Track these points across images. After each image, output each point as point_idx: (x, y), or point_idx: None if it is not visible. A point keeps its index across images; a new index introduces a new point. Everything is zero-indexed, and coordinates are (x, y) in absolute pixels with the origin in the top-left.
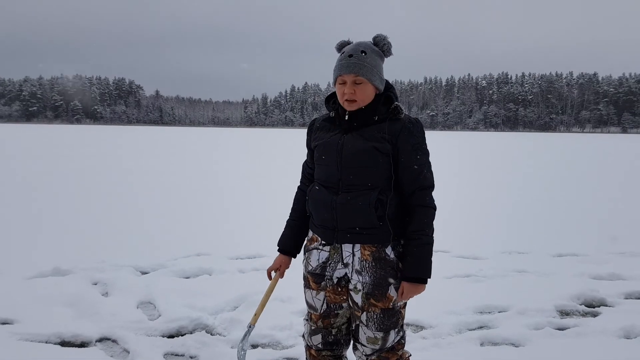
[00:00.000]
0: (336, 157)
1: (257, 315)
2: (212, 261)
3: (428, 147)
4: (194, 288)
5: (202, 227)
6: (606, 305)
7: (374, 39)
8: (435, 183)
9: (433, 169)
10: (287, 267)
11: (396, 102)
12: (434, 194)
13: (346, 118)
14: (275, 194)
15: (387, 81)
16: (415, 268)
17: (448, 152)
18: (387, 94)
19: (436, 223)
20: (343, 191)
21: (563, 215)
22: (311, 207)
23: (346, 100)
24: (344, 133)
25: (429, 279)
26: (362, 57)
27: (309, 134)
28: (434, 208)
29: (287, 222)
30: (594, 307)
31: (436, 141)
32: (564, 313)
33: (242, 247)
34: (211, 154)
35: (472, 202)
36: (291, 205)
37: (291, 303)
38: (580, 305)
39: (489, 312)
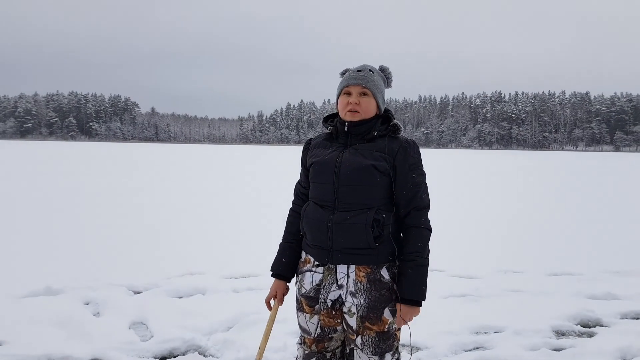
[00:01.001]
0: (333, 174)
1: (261, 350)
2: (206, 280)
3: (424, 168)
4: (187, 308)
5: (196, 245)
6: (602, 326)
7: (381, 66)
8: (430, 204)
9: (429, 187)
10: (286, 293)
11: (396, 121)
12: (429, 214)
13: (345, 129)
14: (270, 212)
15: (386, 107)
16: (410, 290)
17: (443, 170)
18: (386, 114)
19: (431, 242)
20: (340, 210)
21: (557, 233)
22: (305, 227)
23: (349, 110)
24: (342, 150)
25: (424, 301)
26: (370, 74)
27: (304, 152)
28: (430, 229)
29: (280, 245)
30: (589, 327)
31: (431, 159)
32: (560, 333)
33: (236, 266)
34: (205, 172)
35: (467, 220)
36: (284, 228)
37: (285, 324)
38: (576, 325)
39: (485, 333)
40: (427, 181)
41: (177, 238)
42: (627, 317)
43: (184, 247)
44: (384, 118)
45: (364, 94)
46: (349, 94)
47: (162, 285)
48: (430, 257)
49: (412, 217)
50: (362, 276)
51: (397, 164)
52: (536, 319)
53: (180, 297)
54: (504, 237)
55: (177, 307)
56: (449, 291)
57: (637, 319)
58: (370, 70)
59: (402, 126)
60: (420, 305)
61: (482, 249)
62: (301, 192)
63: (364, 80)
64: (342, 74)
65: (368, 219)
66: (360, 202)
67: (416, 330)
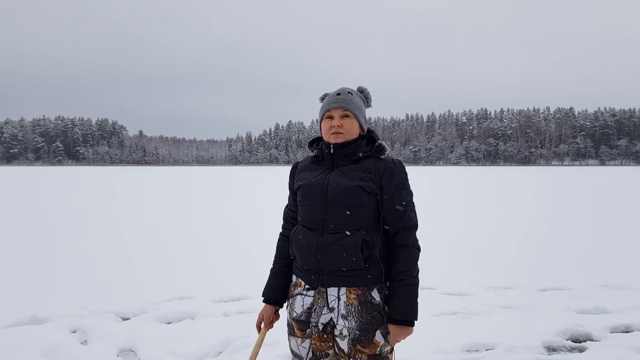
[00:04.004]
0: (321, 196)
1: None
2: (195, 305)
3: (411, 187)
4: (176, 333)
5: (185, 269)
6: (592, 340)
7: (359, 87)
8: (418, 222)
9: (417, 204)
10: (277, 319)
11: (380, 141)
12: (418, 233)
13: (331, 152)
14: (259, 235)
15: (370, 127)
16: (401, 311)
17: (432, 187)
18: (370, 135)
19: (421, 260)
20: (328, 232)
21: (546, 248)
22: (295, 250)
23: (332, 133)
24: (328, 172)
25: (416, 321)
26: (350, 96)
27: (291, 176)
28: (418, 248)
29: (271, 270)
30: (580, 342)
31: (419, 177)
32: (551, 349)
33: (226, 289)
34: (192, 195)
35: (456, 238)
36: (274, 252)
37: (277, 347)
38: (567, 340)
39: (477, 350)
40: (416, 199)
41: (165, 262)
42: (617, 330)
43: (171, 271)
44: (369, 139)
45: (346, 116)
46: (331, 117)
47: (150, 310)
48: (420, 275)
49: (401, 237)
50: (353, 298)
51: (383, 184)
52: (527, 335)
53: (169, 323)
54: (494, 254)
55: (166, 333)
56: (440, 309)
57: (627, 332)
58: (349, 92)
59: (387, 146)
60: (413, 325)
61: (472, 266)
62: (290, 216)
63: (344, 103)
64: (322, 98)
65: (357, 240)
66: (349, 223)
67: (407, 349)
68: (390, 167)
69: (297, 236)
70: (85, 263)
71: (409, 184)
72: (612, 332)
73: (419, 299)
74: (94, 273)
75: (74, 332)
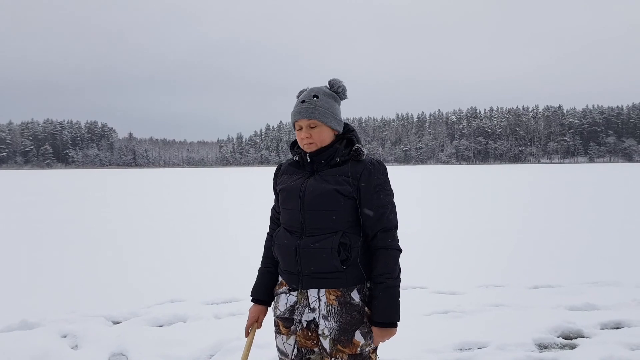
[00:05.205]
0: (299, 201)
1: None
2: (187, 307)
3: (394, 187)
4: (168, 337)
5: (176, 271)
6: (583, 337)
7: (329, 82)
8: (398, 223)
9: (408, 204)
10: (264, 317)
11: (357, 145)
12: (411, 232)
13: (308, 160)
14: (250, 236)
15: (347, 124)
16: (383, 313)
17: (421, 187)
18: (348, 136)
19: (412, 259)
20: (307, 235)
21: (536, 246)
22: (276, 252)
23: (305, 144)
24: (307, 177)
25: (399, 322)
26: (314, 102)
27: (275, 178)
28: (399, 250)
29: (259, 270)
30: (571, 339)
31: (409, 176)
32: (543, 346)
33: (217, 292)
34: (183, 196)
35: (447, 236)
36: (262, 252)
37: (269, 349)
38: (558, 337)
39: (469, 349)
40: (409, 198)
41: (156, 265)
42: (607, 327)
43: (162, 274)
44: (348, 140)
45: (313, 125)
46: (300, 128)
47: (141, 314)
48: (412, 274)
49: (380, 239)
50: (333, 299)
51: (361, 187)
52: (518, 333)
53: (160, 326)
54: (485, 252)
55: (157, 336)
56: (432, 308)
57: (617, 328)
58: (314, 96)
59: (364, 150)
60: (395, 327)
61: (463, 264)
62: (276, 217)
63: (308, 112)
64: (298, 95)
65: (334, 243)
66: (326, 226)
67: (399, 348)
68: (368, 169)
69: (278, 238)
70: (75, 267)
71: (389, 185)
72: (602, 329)
73: (403, 299)
74: (84, 277)
75: (65, 336)
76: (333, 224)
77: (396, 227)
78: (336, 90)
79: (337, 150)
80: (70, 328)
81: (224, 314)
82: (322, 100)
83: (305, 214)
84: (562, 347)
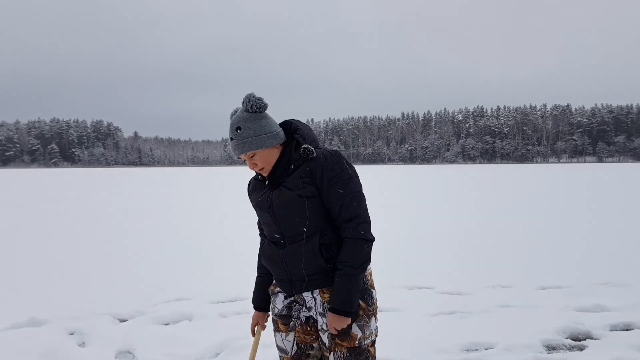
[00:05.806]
0: (270, 214)
1: None
2: (193, 306)
3: (354, 176)
4: (174, 335)
5: (182, 270)
6: (592, 338)
7: (243, 101)
8: (362, 212)
9: (417, 203)
10: (265, 320)
11: (304, 145)
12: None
13: (266, 182)
14: (256, 235)
15: (290, 123)
16: (336, 299)
17: (429, 186)
18: (295, 137)
19: (419, 259)
20: (288, 243)
21: (544, 246)
22: (265, 264)
23: (256, 170)
24: (272, 189)
25: (353, 311)
26: (240, 135)
27: (248, 195)
28: (365, 239)
29: (256, 278)
30: (579, 341)
31: (415, 175)
32: (551, 348)
33: (223, 290)
34: (188, 196)
35: (454, 236)
36: (257, 260)
37: (274, 348)
38: (567, 339)
39: (476, 350)
40: (417, 197)
41: (162, 264)
42: (617, 328)
43: (169, 272)
44: (296, 142)
45: (252, 154)
46: (244, 159)
47: (147, 312)
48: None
49: (344, 229)
50: (327, 297)
51: (318, 183)
52: (526, 334)
53: (166, 324)
54: (492, 252)
55: (163, 334)
56: (439, 308)
57: (627, 330)
58: (237, 128)
59: (312, 148)
60: (349, 316)
61: (471, 264)
62: (261, 229)
63: (239, 148)
64: (232, 115)
65: (314, 244)
66: (302, 231)
67: (406, 348)
68: (321, 164)
69: (264, 250)
70: (83, 265)
71: (346, 174)
72: (611, 330)
73: (409, 299)
74: (91, 275)
75: (72, 334)
76: (307, 227)
77: (358, 215)
78: (252, 110)
79: (290, 156)
80: (78, 325)
81: (229, 313)
82: (245, 130)
83: (279, 225)
84: (571, 348)
